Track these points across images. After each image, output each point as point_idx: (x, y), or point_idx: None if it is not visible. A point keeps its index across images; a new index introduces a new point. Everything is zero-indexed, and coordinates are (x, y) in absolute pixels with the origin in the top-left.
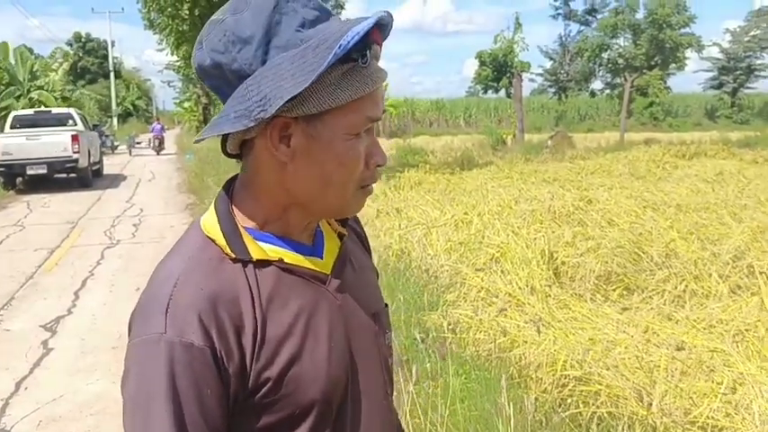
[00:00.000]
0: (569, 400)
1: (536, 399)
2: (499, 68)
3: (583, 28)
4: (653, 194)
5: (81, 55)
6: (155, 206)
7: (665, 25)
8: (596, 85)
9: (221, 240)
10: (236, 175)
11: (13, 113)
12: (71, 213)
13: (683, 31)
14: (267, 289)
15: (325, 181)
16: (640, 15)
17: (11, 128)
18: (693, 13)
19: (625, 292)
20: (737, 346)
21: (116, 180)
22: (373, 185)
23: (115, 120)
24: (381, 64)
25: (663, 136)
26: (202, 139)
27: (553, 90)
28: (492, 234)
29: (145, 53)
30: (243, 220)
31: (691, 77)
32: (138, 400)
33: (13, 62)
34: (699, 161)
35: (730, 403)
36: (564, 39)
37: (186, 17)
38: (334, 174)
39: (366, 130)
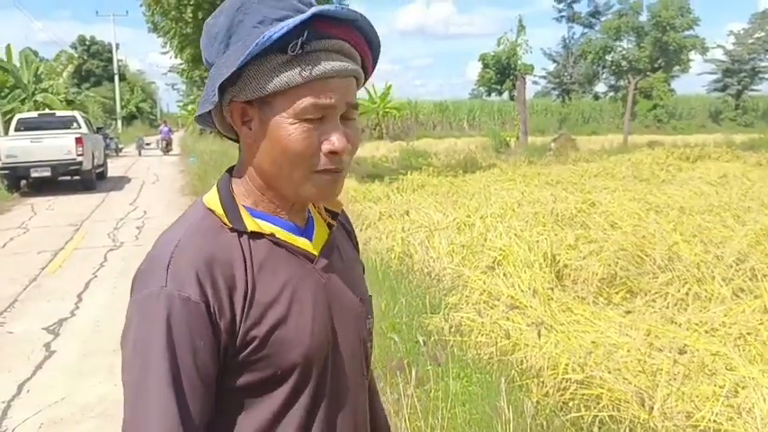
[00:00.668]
0: (571, 404)
1: (537, 402)
2: (502, 71)
3: (586, 30)
4: (656, 197)
5: (85, 58)
6: (158, 209)
7: (668, 27)
8: (600, 87)
9: (220, 211)
10: None
11: (17, 116)
12: (75, 216)
13: (686, 33)
14: (259, 258)
15: (277, 162)
16: (644, 18)
17: (15, 131)
18: (697, 15)
19: (628, 296)
20: (740, 350)
21: (120, 182)
22: (335, 173)
23: (119, 122)
24: (385, 66)
25: (666, 138)
26: (199, 117)
27: (557, 92)
28: (494, 237)
29: (149, 56)
30: (240, 199)
31: (694, 80)
32: (136, 348)
33: (17, 65)
34: (703, 164)
35: (732, 407)
36: (567, 41)
37: (190, 20)
38: (281, 156)
39: (321, 117)
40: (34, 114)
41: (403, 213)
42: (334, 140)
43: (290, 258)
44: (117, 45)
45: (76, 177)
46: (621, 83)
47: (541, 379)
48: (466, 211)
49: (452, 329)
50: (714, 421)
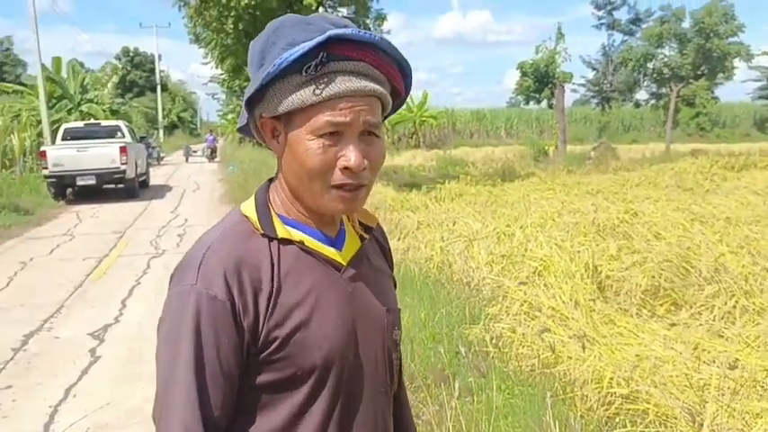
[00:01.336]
0: (616, 419)
1: (581, 416)
2: (541, 79)
3: (627, 38)
4: (701, 207)
5: (129, 69)
6: (199, 217)
7: (712, 34)
8: (641, 95)
9: (254, 217)
10: None
11: (64, 126)
12: (119, 223)
13: (731, 39)
14: (286, 263)
15: (297, 175)
16: (686, 24)
17: (62, 140)
18: (742, 21)
19: (672, 308)
20: None
21: (162, 191)
22: (353, 189)
23: (161, 132)
24: (422, 74)
25: (710, 147)
26: (240, 128)
27: (596, 100)
28: (535, 247)
29: (190, 66)
30: (276, 207)
31: (739, 87)
32: (168, 337)
33: (65, 76)
34: (748, 173)
35: None
36: (607, 49)
37: (230, 31)
38: (300, 169)
39: (336, 133)
40: (80, 124)
41: (441, 222)
42: (350, 157)
43: (317, 266)
44: (159, 56)
45: (120, 186)
46: (663, 90)
47: (585, 393)
48: (505, 220)
49: (493, 341)
50: None
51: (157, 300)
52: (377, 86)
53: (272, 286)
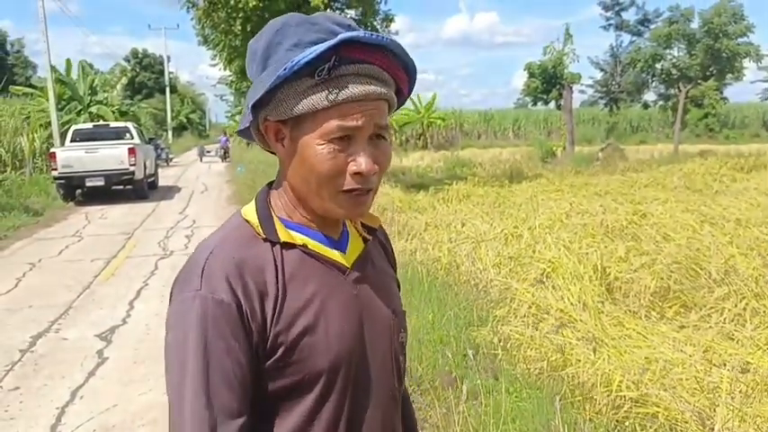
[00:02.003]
0: (626, 423)
1: (590, 420)
2: (549, 80)
3: (635, 38)
4: (710, 208)
5: (138, 70)
6: (207, 218)
7: (721, 35)
8: (649, 96)
9: (255, 222)
10: None
11: (73, 127)
12: (127, 224)
13: (740, 40)
14: (290, 267)
15: (305, 180)
16: (695, 25)
17: (71, 141)
18: (751, 21)
19: (682, 310)
20: None
21: (170, 192)
22: (363, 193)
23: (170, 133)
24: (430, 76)
25: (719, 148)
26: (240, 131)
27: (604, 101)
28: (543, 248)
29: (199, 68)
30: (277, 210)
31: (748, 87)
32: (176, 345)
33: (75, 78)
34: (758, 174)
35: None
36: (615, 49)
37: (239, 33)
38: (309, 174)
39: (345, 137)
40: (89, 125)
41: (449, 224)
42: (361, 162)
43: (322, 269)
44: (168, 58)
45: (129, 187)
46: (672, 91)
47: (594, 396)
48: (513, 221)
49: (501, 343)
50: None
51: (165, 301)
52: (386, 90)
53: (278, 290)
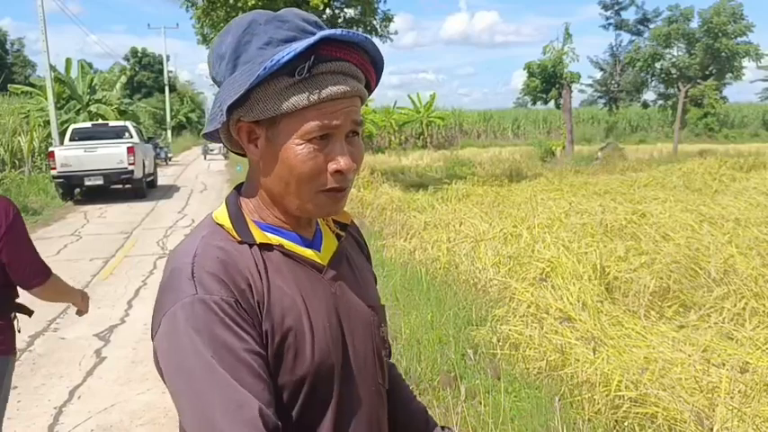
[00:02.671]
0: (625, 423)
1: (589, 420)
2: (548, 79)
3: (634, 38)
4: (710, 208)
5: (137, 70)
6: None
7: (720, 34)
8: (648, 95)
9: (228, 225)
10: None
11: (72, 126)
12: (126, 224)
13: (739, 39)
14: (272, 266)
15: (283, 181)
16: (695, 24)
17: (70, 140)
18: (751, 21)
19: (681, 310)
20: None
21: (169, 191)
22: (342, 191)
23: (169, 132)
24: (430, 75)
25: (718, 147)
26: (206, 134)
27: (604, 101)
28: (542, 248)
29: (198, 67)
30: (249, 213)
31: (748, 87)
32: (185, 355)
33: (74, 77)
34: (757, 173)
35: None
36: (615, 49)
37: None
38: (287, 175)
39: (324, 136)
40: (88, 125)
41: (448, 223)
42: (341, 161)
43: (300, 269)
44: (167, 57)
45: (128, 186)
46: (671, 91)
47: (593, 396)
48: (512, 221)
49: (500, 342)
50: None
51: None
52: (361, 86)
53: (263, 291)
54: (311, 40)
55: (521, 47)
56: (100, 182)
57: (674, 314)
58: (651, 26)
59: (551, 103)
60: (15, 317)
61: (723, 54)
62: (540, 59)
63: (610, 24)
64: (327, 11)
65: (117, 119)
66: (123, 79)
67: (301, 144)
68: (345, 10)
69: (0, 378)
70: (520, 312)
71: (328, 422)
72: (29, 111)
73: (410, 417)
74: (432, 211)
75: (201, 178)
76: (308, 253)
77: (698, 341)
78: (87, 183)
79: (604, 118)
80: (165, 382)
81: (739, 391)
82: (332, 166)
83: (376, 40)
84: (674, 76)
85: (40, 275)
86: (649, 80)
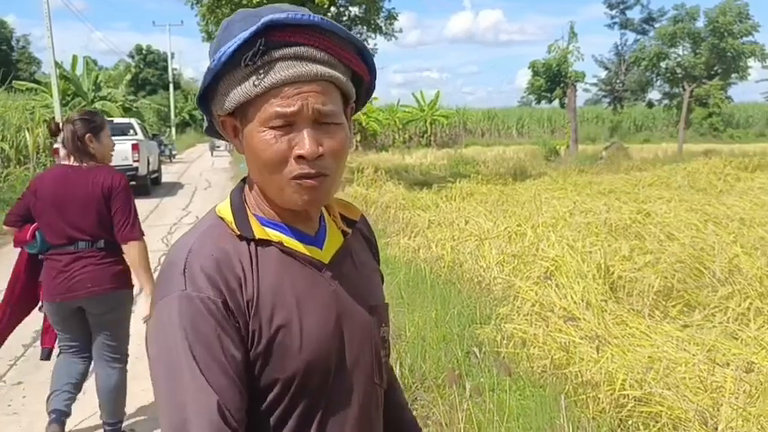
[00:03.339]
0: (629, 422)
1: (593, 418)
2: (553, 78)
3: (639, 37)
4: (714, 208)
5: (142, 67)
6: None
7: (726, 34)
8: (653, 95)
9: (230, 219)
10: None
11: None
12: None
13: (745, 39)
14: (266, 264)
15: (257, 170)
16: (701, 24)
17: None
18: (757, 21)
19: (685, 309)
20: None
21: (174, 188)
22: (314, 179)
23: (173, 129)
24: (434, 74)
25: (723, 147)
26: (208, 133)
27: (608, 100)
28: (546, 247)
29: (203, 64)
30: (252, 208)
31: (753, 87)
32: (167, 348)
33: (79, 74)
34: (763, 173)
35: None
36: (620, 48)
37: None
38: (257, 163)
39: (289, 124)
40: None
41: (452, 222)
42: (303, 145)
43: (298, 267)
44: (172, 54)
45: (132, 183)
46: (676, 90)
47: (597, 394)
48: (516, 219)
49: (504, 341)
50: None
51: None
52: (327, 69)
53: (254, 289)
54: (254, 27)
55: (525, 46)
56: None
57: (678, 314)
58: (656, 25)
59: (556, 102)
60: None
61: (729, 54)
62: (544, 58)
63: (615, 23)
64: (332, 9)
65: (122, 116)
66: (128, 76)
67: (263, 131)
68: (350, 8)
69: (127, 307)
70: (524, 311)
71: (318, 421)
72: (34, 107)
73: (402, 425)
74: (436, 210)
75: (206, 175)
76: (307, 250)
77: (702, 341)
78: None
79: (609, 117)
80: None
81: (744, 391)
82: (295, 152)
83: (380, 39)
84: (680, 75)
85: (138, 233)
86: (654, 79)
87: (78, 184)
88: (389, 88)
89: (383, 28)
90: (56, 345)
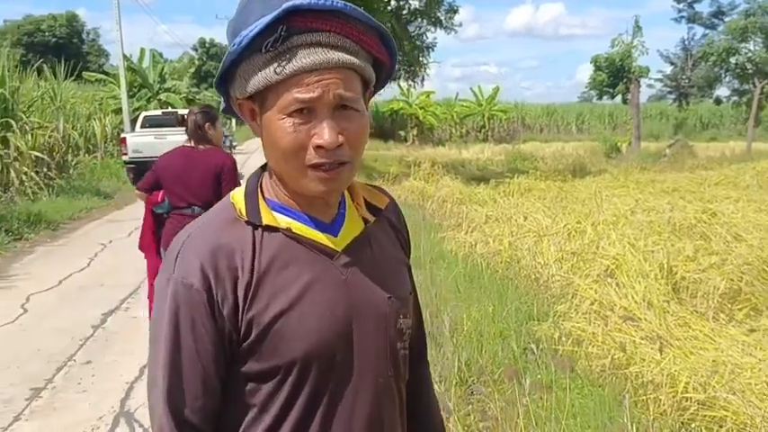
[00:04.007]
0: (692, 425)
1: (654, 420)
2: (616, 73)
3: (708, 31)
4: None
5: (205, 59)
6: None
7: None
8: (721, 91)
9: (240, 204)
10: None
11: (143, 114)
12: None
13: None
14: (269, 251)
15: (275, 157)
16: None
17: (141, 127)
18: None
19: (752, 313)
20: None
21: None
22: (333, 167)
23: (234, 121)
24: (492, 68)
25: None
26: (225, 110)
27: (673, 96)
28: (607, 245)
29: None
30: (267, 193)
31: None
32: (153, 324)
33: (145, 66)
34: None
35: None
36: (687, 43)
37: None
38: (275, 150)
39: (307, 110)
40: (158, 112)
41: (510, 217)
42: (323, 134)
43: (306, 253)
44: None
45: None
46: (746, 87)
47: (659, 396)
48: (576, 217)
49: (561, 338)
50: None
51: None
52: (348, 57)
53: (252, 274)
54: (275, 12)
55: (586, 40)
56: None
57: (744, 317)
58: (726, 19)
59: (618, 98)
60: None
61: None
62: (607, 53)
63: (682, 17)
64: (392, 2)
65: (185, 107)
66: (192, 69)
67: (283, 118)
68: (410, 1)
69: None
70: (582, 309)
71: (323, 411)
72: (102, 98)
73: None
74: (493, 205)
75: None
76: (318, 237)
77: None
78: None
79: (673, 114)
80: None
81: None
82: (314, 141)
83: (440, 32)
84: (750, 71)
85: None
86: (723, 75)
87: (198, 162)
88: (447, 82)
89: (443, 21)
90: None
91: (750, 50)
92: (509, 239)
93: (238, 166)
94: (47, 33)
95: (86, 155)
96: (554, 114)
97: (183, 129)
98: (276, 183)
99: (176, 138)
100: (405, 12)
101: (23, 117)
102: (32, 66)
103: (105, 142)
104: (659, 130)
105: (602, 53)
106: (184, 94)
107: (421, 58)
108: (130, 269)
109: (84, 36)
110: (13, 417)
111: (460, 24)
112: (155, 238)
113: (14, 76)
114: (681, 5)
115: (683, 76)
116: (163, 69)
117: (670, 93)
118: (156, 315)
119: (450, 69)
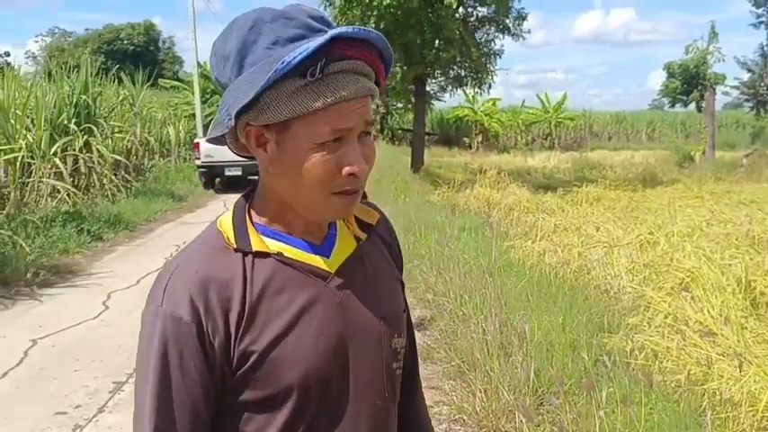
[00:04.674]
0: None
1: None
2: (689, 80)
3: None
4: None
5: None
6: None
7: None
8: None
9: (229, 231)
10: None
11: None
12: None
13: None
14: (261, 278)
15: (295, 185)
16: None
17: None
18: None
19: None
20: None
21: None
22: (354, 193)
23: None
24: (559, 75)
25: None
26: (211, 138)
27: (750, 104)
28: (681, 257)
29: None
30: (255, 217)
31: None
32: (140, 358)
33: None
34: None
35: None
36: (765, 49)
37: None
38: (300, 179)
39: (337, 138)
40: None
41: (579, 227)
42: (354, 162)
43: (299, 277)
44: None
45: None
46: None
47: (738, 414)
48: (648, 227)
49: (633, 352)
50: None
51: None
52: (371, 84)
53: (244, 303)
54: (322, 39)
55: (658, 46)
56: (239, 173)
57: None
58: None
59: (691, 106)
60: None
61: None
62: (681, 59)
63: (761, 23)
64: (461, 9)
65: None
66: None
67: (314, 147)
68: (479, 8)
69: None
70: (656, 322)
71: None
72: (176, 104)
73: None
74: (561, 214)
75: None
76: (311, 259)
77: None
78: (227, 173)
79: (750, 122)
80: None
81: None
82: (346, 169)
83: (507, 39)
84: None
85: None
86: None
87: None
88: (513, 89)
89: (511, 28)
90: None
91: None
92: (578, 249)
93: None
94: (125, 42)
95: (161, 159)
96: (623, 122)
97: None
98: (271, 208)
99: None
100: (472, 18)
101: (104, 123)
102: (112, 73)
103: (179, 147)
104: (735, 139)
105: (675, 60)
106: None
107: (488, 65)
108: None
109: (160, 44)
110: (98, 408)
111: (529, 31)
112: None
113: (96, 83)
114: (759, 10)
115: (761, 84)
116: None
117: (747, 101)
118: (143, 349)
119: (516, 76)
